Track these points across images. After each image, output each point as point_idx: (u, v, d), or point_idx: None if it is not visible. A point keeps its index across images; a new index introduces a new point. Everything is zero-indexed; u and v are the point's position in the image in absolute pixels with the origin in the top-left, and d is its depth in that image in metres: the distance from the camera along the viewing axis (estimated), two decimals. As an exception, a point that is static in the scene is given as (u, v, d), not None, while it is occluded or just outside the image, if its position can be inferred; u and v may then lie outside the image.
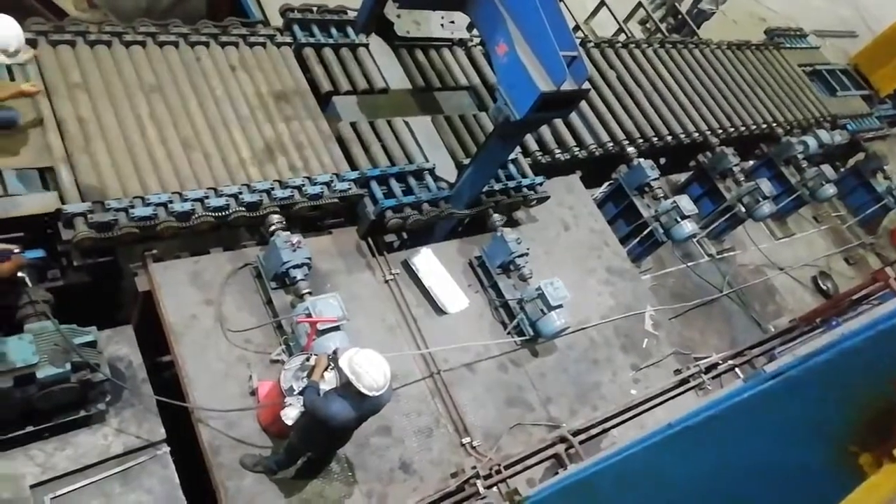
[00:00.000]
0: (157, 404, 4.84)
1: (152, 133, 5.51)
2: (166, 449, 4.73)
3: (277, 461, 4.70)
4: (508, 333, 6.39)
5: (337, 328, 5.14)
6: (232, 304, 5.39)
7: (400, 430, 5.39)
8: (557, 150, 7.77)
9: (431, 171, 6.66)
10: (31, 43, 5.20)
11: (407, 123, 6.93)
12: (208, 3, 8.33)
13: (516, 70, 5.29)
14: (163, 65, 5.87)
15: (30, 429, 4.35)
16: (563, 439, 5.88)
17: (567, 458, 5.75)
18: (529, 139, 7.57)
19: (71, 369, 4.21)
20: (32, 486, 4.28)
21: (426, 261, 6.34)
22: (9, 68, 5.07)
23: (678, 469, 2.34)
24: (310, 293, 5.31)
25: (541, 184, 7.19)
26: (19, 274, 4.56)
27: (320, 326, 5.05)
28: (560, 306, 6.17)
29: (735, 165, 8.97)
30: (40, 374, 4.11)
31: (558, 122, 7.84)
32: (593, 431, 6.10)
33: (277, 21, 6.87)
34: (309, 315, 5.08)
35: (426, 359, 5.88)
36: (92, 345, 4.43)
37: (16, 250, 4.54)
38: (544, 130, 7.78)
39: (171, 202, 5.18)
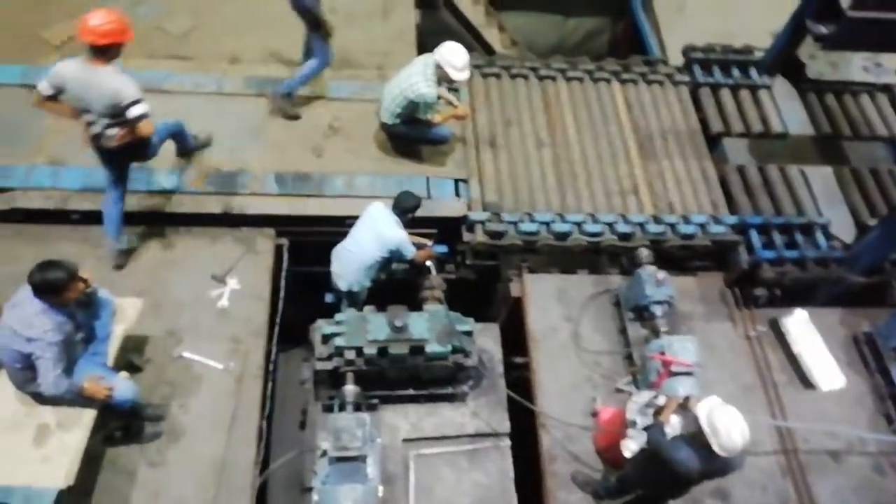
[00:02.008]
0: (507, 399, 5.31)
1: (548, 157, 6.12)
2: (508, 443, 5.12)
3: (607, 488, 4.74)
4: (895, 431, 5.35)
5: (689, 373, 4.96)
6: (588, 325, 5.62)
7: (739, 500, 4.94)
8: None
9: (824, 228, 5.97)
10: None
11: (802, 172, 6.34)
12: (612, 41, 8.82)
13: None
14: (568, 98, 6.45)
15: (411, 391, 5.16)
16: (952, 581, 4.70)
17: None
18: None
19: (450, 350, 4.91)
20: (403, 441, 5.09)
21: (800, 325, 5.68)
22: (450, 88, 6.06)
23: None
24: (667, 332, 5.24)
25: (972, 261, 5.86)
26: (428, 263, 5.51)
27: (673, 368, 4.94)
28: (977, 416, 4.96)
29: None
30: (428, 349, 4.82)
31: None
32: None
33: (676, 58, 6.94)
34: (663, 353, 5.02)
35: (782, 432, 5.28)
36: (468, 334, 5.07)
37: (429, 244, 5.50)
38: None
39: (552, 222, 5.67)
